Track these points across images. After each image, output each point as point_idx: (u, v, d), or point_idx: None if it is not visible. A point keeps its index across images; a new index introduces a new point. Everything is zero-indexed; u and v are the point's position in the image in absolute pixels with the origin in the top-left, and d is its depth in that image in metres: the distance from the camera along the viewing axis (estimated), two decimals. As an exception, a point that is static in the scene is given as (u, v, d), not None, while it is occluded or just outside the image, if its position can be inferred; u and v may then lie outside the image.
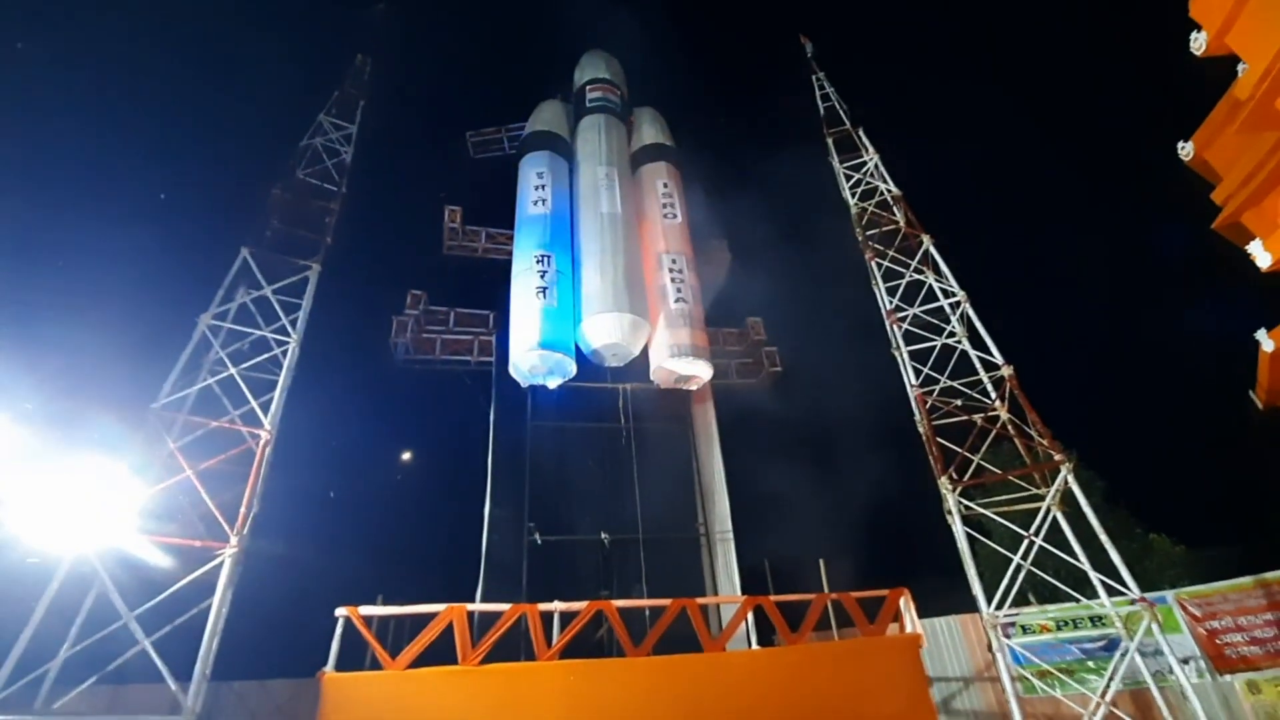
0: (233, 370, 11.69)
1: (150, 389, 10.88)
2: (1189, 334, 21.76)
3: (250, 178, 15.47)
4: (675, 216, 16.46)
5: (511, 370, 13.88)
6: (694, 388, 15.29)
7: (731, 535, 14.66)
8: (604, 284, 14.11)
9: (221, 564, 9.87)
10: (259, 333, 12.42)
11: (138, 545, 9.63)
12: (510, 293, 14.52)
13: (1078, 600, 11.40)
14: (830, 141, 18.43)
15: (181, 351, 11.43)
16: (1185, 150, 8.18)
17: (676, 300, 14.81)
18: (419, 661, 9.34)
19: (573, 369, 13.91)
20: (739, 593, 14.11)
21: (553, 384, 13.99)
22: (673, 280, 15.11)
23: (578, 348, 14.18)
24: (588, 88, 18.60)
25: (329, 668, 9.04)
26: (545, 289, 13.94)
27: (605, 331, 13.82)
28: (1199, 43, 6.19)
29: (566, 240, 15.30)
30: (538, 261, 14.30)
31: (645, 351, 14.57)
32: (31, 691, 8.66)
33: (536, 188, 15.81)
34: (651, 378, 14.85)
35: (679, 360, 14.19)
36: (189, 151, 19.94)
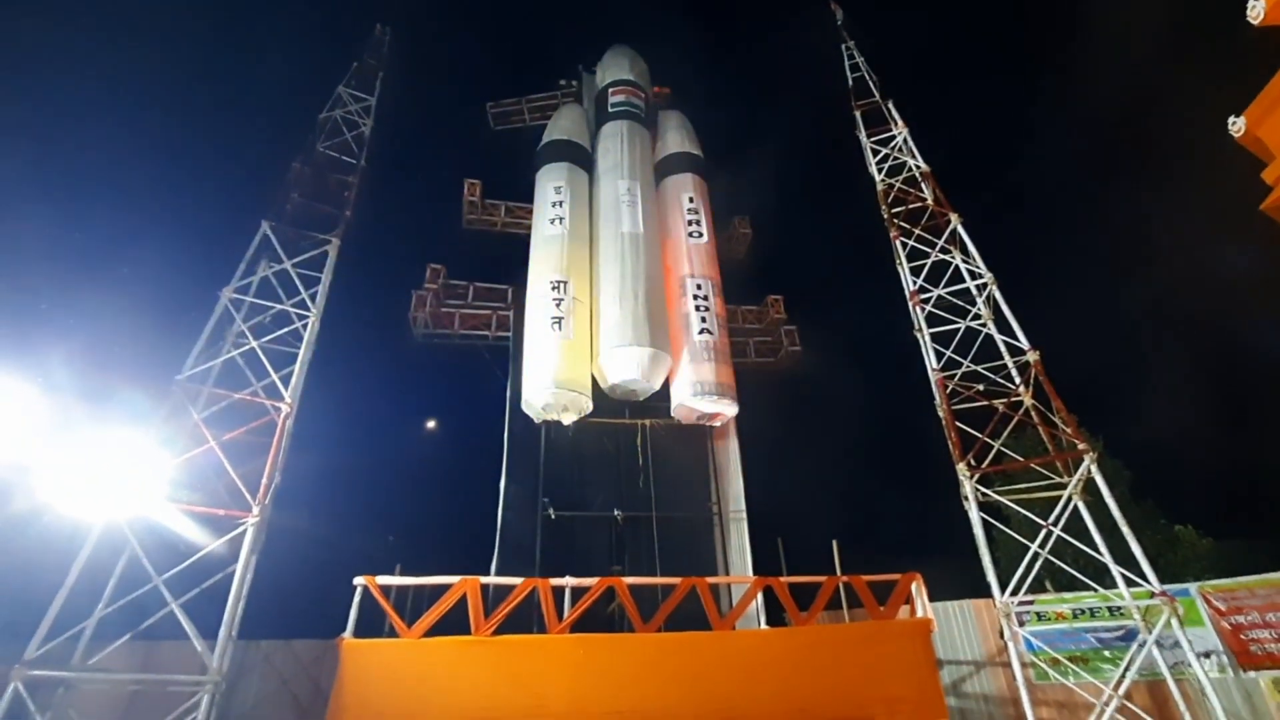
0: (254, 344, 11.90)
1: (175, 362, 11.15)
2: (1227, 324, 20.91)
3: (270, 151, 15.57)
4: (701, 235, 15.54)
5: (524, 407, 13.42)
6: (717, 424, 14.71)
7: (745, 515, 14.57)
8: (623, 314, 13.39)
9: (245, 532, 10.20)
10: (280, 306, 12.60)
11: (165, 513, 9.99)
12: (526, 318, 14.08)
13: (1096, 590, 11.22)
14: (858, 114, 17.78)
15: (205, 325, 11.68)
16: (1236, 125, 7.63)
17: (701, 331, 14.06)
18: (434, 631, 9.61)
19: (589, 406, 13.45)
20: (751, 572, 14.14)
21: (568, 420, 13.43)
22: (697, 308, 14.33)
23: (594, 381, 13.62)
24: (610, 90, 17.55)
25: (348, 634, 9.35)
26: (561, 319, 13.32)
27: (624, 367, 13.24)
28: (1256, 10, 5.60)
29: (585, 263, 14.64)
30: (553, 288, 13.69)
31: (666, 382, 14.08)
32: (69, 648, 9.12)
33: (554, 204, 15.09)
34: (673, 414, 14.43)
35: (702, 399, 13.68)
36: (209, 125, 20.16)
